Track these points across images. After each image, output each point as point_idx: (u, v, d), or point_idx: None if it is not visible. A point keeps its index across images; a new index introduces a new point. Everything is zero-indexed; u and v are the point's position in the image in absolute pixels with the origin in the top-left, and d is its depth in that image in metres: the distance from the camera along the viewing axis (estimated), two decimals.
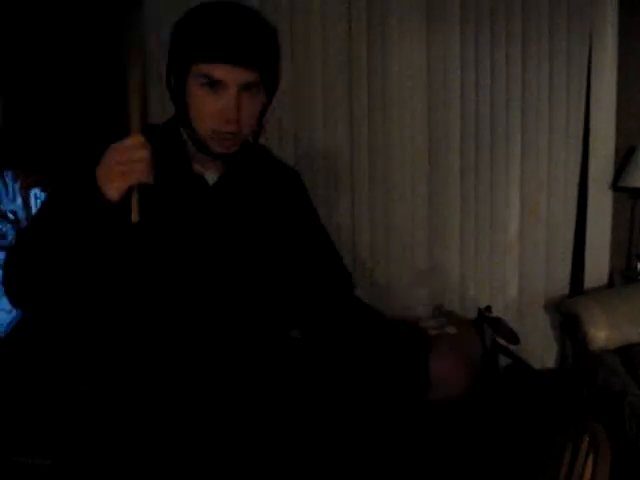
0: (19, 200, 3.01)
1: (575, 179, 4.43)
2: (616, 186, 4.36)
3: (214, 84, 1.42)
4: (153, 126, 1.60)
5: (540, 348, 4.43)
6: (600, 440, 1.62)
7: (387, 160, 4.36)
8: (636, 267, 4.34)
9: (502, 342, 3.31)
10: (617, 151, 4.38)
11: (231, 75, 1.41)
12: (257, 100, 1.49)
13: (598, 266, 4.45)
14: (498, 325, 3.32)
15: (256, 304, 1.62)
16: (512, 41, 4.28)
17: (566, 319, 4.26)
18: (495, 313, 3.87)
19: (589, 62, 4.31)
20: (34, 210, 3.10)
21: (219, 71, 1.40)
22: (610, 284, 4.44)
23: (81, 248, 1.37)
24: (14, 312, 3.15)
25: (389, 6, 4.24)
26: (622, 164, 4.36)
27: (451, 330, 4.06)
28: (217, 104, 1.43)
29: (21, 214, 3.02)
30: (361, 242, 4.44)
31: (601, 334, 3.81)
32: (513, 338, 3.22)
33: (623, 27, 4.25)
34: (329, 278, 1.80)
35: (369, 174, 4.37)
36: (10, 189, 2.98)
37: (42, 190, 3.16)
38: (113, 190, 1.34)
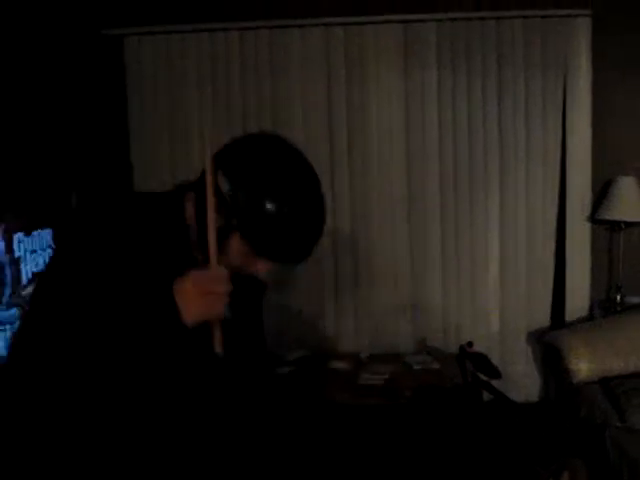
0: (1, 244, 3.02)
1: (554, 212, 4.48)
2: (594, 219, 4.41)
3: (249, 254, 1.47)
4: (153, 194, 1.61)
5: (523, 381, 4.45)
6: (580, 476, 1.64)
7: (368, 200, 4.46)
8: (616, 299, 4.37)
9: (484, 377, 3.33)
10: (594, 184, 4.44)
11: (269, 265, 1.51)
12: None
13: (579, 298, 4.48)
14: (479, 360, 3.34)
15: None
16: (488, 80, 4.38)
17: (548, 351, 4.29)
18: (477, 346, 3.88)
19: (564, 98, 4.38)
20: (17, 254, 3.10)
21: (262, 261, 1.49)
22: (591, 316, 4.47)
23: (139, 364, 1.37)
24: None
25: (366, 53, 4.39)
26: (599, 197, 4.42)
27: (435, 366, 4.09)
28: (247, 262, 1.49)
29: (3, 258, 3.02)
30: (344, 281, 4.49)
31: (582, 367, 3.84)
32: (494, 373, 3.23)
33: (597, 62, 4.34)
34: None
35: (350, 214, 4.43)
36: None
37: (25, 234, 3.16)
38: (191, 318, 1.34)
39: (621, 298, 4.36)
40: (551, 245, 4.50)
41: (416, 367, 4.08)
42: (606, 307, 4.43)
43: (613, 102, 4.43)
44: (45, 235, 3.30)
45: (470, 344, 3.47)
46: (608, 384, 3.71)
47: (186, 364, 1.43)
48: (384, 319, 4.52)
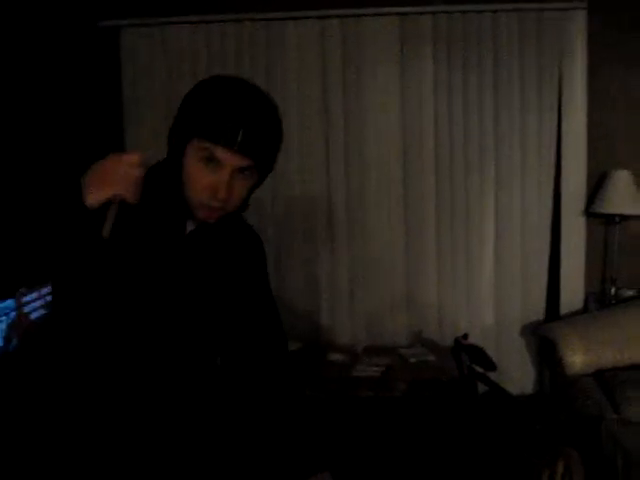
0: None
1: (548, 206, 4.48)
2: (589, 212, 4.42)
3: (211, 161, 1.48)
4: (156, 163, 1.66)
5: (518, 373, 4.46)
6: (574, 464, 1.65)
7: (364, 194, 4.46)
8: (610, 292, 4.38)
9: (479, 369, 3.34)
10: (589, 177, 4.45)
11: (229, 158, 1.48)
12: (248, 182, 1.55)
13: (573, 291, 4.49)
14: (475, 353, 3.35)
15: (194, 340, 1.69)
16: (483, 72, 4.38)
17: (543, 344, 4.31)
18: (472, 339, 3.91)
19: (559, 91, 4.39)
20: None
21: (219, 152, 1.47)
22: (585, 308, 4.48)
23: (51, 247, 1.39)
24: None
25: (363, 45, 4.39)
26: (594, 190, 4.42)
27: (430, 358, 4.10)
28: (210, 179, 1.49)
29: None
30: (341, 274, 4.50)
31: (577, 359, 3.85)
32: (490, 365, 3.25)
33: (592, 55, 4.34)
34: (265, 340, 1.84)
35: (346, 207, 4.45)
36: None
37: None
38: (93, 196, 1.38)
39: (616, 291, 4.37)
40: (546, 238, 4.51)
41: (412, 360, 4.09)
42: (601, 300, 4.44)
43: (609, 95, 4.43)
44: None
45: (465, 336, 3.50)
46: (603, 376, 3.72)
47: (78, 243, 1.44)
48: (379, 312, 4.53)
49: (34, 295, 3.21)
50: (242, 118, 1.47)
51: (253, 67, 4.40)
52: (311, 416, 1.89)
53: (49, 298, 3.30)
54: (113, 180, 1.39)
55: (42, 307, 3.29)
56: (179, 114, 1.53)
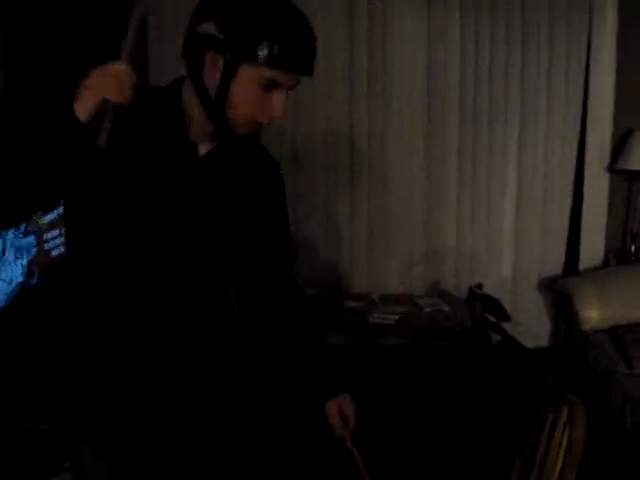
0: None
1: (572, 161, 4.46)
2: (613, 168, 4.39)
3: (272, 85, 1.47)
4: (154, 87, 1.64)
5: (533, 326, 4.48)
6: (577, 412, 1.68)
7: (385, 144, 4.43)
8: (631, 248, 4.37)
9: (493, 319, 3.36)
10: (614, 134, 4.40)
11: (292, 82, 1.49)
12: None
13: (593, 247, 4.49)
14: (488, 303, 3.37)
15: (206, 266, 1.68)
16: (512, 24, 4.32)
17: (559, 298, 4.32)
18: (489, 290, 3.92)
19: (588, 45, 4.32)
20: None
21: (284, 78, 1.46)
22: (605, 265, 4.48)
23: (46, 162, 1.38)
24: (14, 283, 3.20)
25: None
26: (619, 147, 4.38)
27: (445, 308, 4.13)
28: (267, 100, 1.48)
29: None
30: (360, 223, 4.51)
31: (592, 314, 3.87)
32: (503, 315, 3.27)
33: (623, 11, 4.27)
34: (276, 258, 1.84)
35: (368, 157, 4.43)
36: None
37: None
38: (82, 105, 1.36)
39: (636, 248, 4.36)
40: (568, 193, 4.49)
41: (427, 309, 4.11)
42: (621, 257, 4.44)
43: (638, 53, 4.36)
44: None
45: (480, 286, 3.51)
46: (617, 332, 3.74)
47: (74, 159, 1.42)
48: (397, 261, 4.55)
49: (56, 232, 3.24)
50: (308, 44, 1.48)
51: None
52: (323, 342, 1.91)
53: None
54: (100, 86, 1.37)
55: (63, 245, 3.33)
56: (227, 33, 1.42)
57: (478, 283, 3.56)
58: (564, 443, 1.66)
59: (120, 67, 1.40)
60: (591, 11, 4.28)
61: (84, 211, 1.56)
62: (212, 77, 1.46)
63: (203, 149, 1.61)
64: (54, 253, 3.23)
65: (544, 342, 4.56)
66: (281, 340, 1.85)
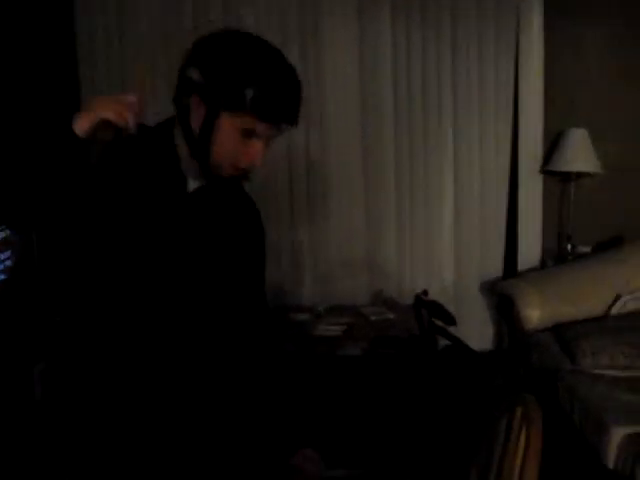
0: None
1: (506, 164, 4.54)
2: (546, 170, 4.48)
3: (251, 133, 1.51)
4: (146, 126, 1.64)
5: (477, 330, 4.53)
6: (532, 409, 1.69)
7: (324, 152, 4.44)
8: (566, 248, 4.46)
9: (439, 324, 3.39)
10: (546, 136, 4.50)
11: (271, 131, 1.53)
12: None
13: (530, 249, 4.57)
14: (435, 308, 3.40)
15: (184, 299, 1.68)
16: (441, 31, 4.39)
17: (500, 300, 4.38)
18: (432, 297, 3.95)
19: (516, 51, 4.42)
20: None
21: (263, 128, 1.51)
22: (542, 266, 4.56)
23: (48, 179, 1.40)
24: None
25: (320, 3, 4.34)
26: (551, 148, 4.48)
27: (390, 316, 4.14)
28: (246, 148, 1.53)
29: None
30: (300, 233, 4.49)
31: (534, 314, 3.93)
32: (450, 319, 3.30)
33: (549, 14, 4.37)
34: (249, 302, 1.86)
35: (306, 165, 4.43)
36: None
37: None
38: (81, 121, 1.38)
39: (572, 248, 4.45)
40: (504, 196, 4.57)
41: (372, 318, 4.12)
42: (557, 257, 4.53)
43: (565, 55, 4.47)
44: None
45: (425, 292, 3.54)
46: (559, 330, 3.81)
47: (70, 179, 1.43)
48: (340, 272, 4.55)
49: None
50: (291, 96, 1.53)
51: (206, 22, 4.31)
52: (291, 383, 1.93)
53: (8, 263, 3.27)
54: (103, 106, 1.40)
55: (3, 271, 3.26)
56: (208, 80, 1.47)
57: (424, 290, 3.59)
58: (521, 442, 1.66)
59: (131, 97, 1.44)
60: (518, 13, 4.37)
61: (73, 238, 1.59)
62: (197, 120, 1.51)
63: (192, 185, 1.64)
64: None
65: (488, 345, 4.61)
66: (250, 386, 1.87)
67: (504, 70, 4.44)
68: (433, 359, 3.39)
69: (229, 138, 1.51)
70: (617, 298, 3.98)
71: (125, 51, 4.26)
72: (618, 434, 2.84)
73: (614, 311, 3.94)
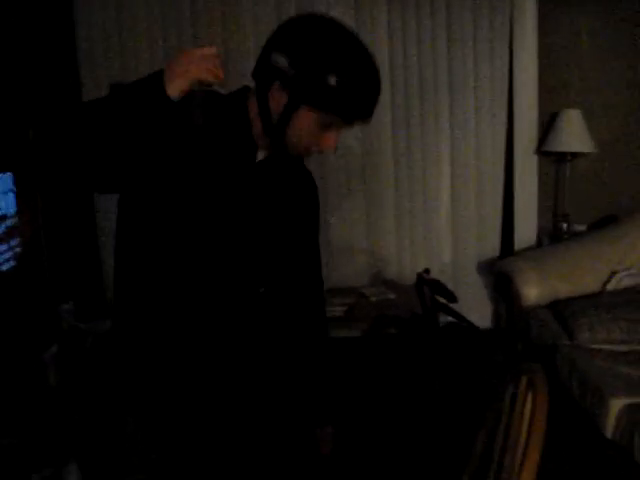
0: None
1: (502, 145, 4.61)
2: (541, 151, 4.55)
3: (329, 126, 1.55)
4: (218, 93, 1.66)
5: (475, 309, 4.59)
6: (537, 378, 1.73)
7: None
8: (562, 227, 4.54)
9: (442, 301, 3.46)
10: (541, 117, 4.57)
11: (347, 125, 1.58)
12: None
13: (527, 228, 4.65)
14: (436, 286, 3.46)
15: (244, 262, 1.72)
16: (437, 16, 4.45)
17: (498, 279, 4.45)
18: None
19: (511, 33, 4.47)
20: None
21: (341, 123, 1.56)
22: (538, 245, 4.64)
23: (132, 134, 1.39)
24: None
25: None
26: (546, 129, 4.55)
27: (390, 296, 4.21)
28: (322, 137, 1.56)
29: None
30: None
31: (533, 291, 4.01)
32: (451, 297, 3.36)
33: None
34: (305, 266, 1.92)
35: None
36: None
37: None
38: (175, 84, 1.38)
39: (567, 226, 4.52)
40: (500, 177, 4.64)
41: (373, 298, 4.19)
42: (553, 236, 4.60)
43: (559, 37, 4.54)
44: (6, 179, 3.27)
45: (427, 271, 3.60)
46: (556, 307, 3.88)
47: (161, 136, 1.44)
48: (341, 254, 4.62)
49: (4, 247, 3.21)
50: (375, 95, 1.55)
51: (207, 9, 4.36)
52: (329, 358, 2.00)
53: (17, 250, 3.31)
54: (194, 67, 1.39)
55: (13, 258, 3.29)
56: (296, 73, 1.47)
57: (425, 268, 3.65)
58: (527, 410, 1.71)
59: (210, 49, 1.43)
60: None
61: (141, 197, 1.59)
62: (276, 104, 1.52)
63: (260, 155, 1.67)
64: (3, 268, 3.19)
65: (487, 323, 4.69)
66: (298, 345, 1.95)
67: (499, 53, 4.49)
68: (435, 336, 3.46)
69: (307, 128, 1.53)
70: (612, 274, 4.06)
71: (124, 46, 4.31)
72: (616, 405, 2.93)
73: (610, 287, 4.01)
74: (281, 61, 1.47)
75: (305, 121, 1.52)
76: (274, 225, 1.75)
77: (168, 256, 1.62)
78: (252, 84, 1.60)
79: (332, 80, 1.46)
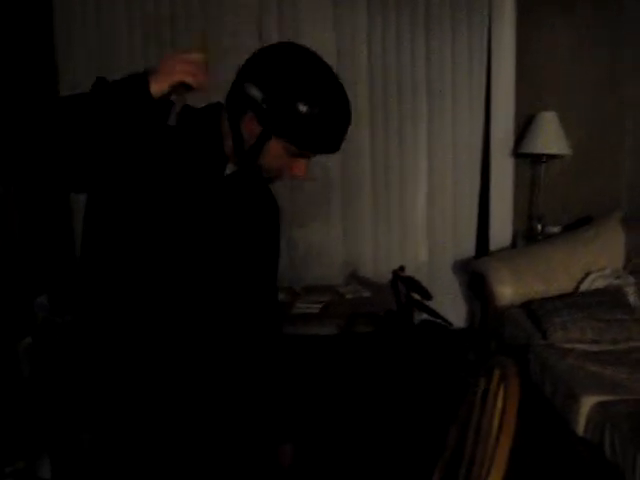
0: None
1: (478, 147, 4.65)
2: (517, 152, 4.59)
3: (300, 155, 1.58)
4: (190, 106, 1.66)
5: (449, 308, 4.58)
6: (509, 371, 1.75)
7: None
8: (537, 229, 4.57)
9: (417, 297, 3.48)
10: (517, 119, 4.60)
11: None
12: None
13: (502, 229, 4.69)
14: (411, 283, 3.49)
15: (201, 276, 1.71)
16: (415, 18, 4.49)
17: (473, 279, 4.48)
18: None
19: (489, 33, 4.51)
20: None
21: (313, 155, 1.60)
22: (513, 245, 4.68)
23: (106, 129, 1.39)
24: None
25: None
26: (522, 131, 4.58)
27: (366, 294, 4.23)
28: (292, 163, 1.59)
29: None
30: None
31: (506, 290, 4.05)
32: (426, 294, 3.39)
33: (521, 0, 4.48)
34: (261, 287, 1.91)
35: None
36: None
37: None
38: (159, 83, 1.40)
39: (542, 228, 4.56)
40: (476, 178, 4.67)
41: (349, 296, 4.21)
42: (528, 237, 4.64)
43: (536, 41, 4.58)
44: None
45: (402, 268, 3.62)
46: (530, 306, 3.91)
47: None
48: (317, 252, 4.63)
49: None
50: (345, 128, 1.58)
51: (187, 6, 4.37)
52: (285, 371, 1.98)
53: None
54: (179, 68, 1.41)
55: None
56: (269, 106, 1.49)
57: (400, 265, 3.67)
58: (499, 403, 1.72)
59: (198, 56, 1.45)
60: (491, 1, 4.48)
61: (106, 197, 1.59)
62: (248, 132, 1.55)
63: (229, 169, 1.68)
64: None
65: (460, 322, 4.71)
66: (253, 363, 1.92)
67: (477, 55, 4.53)
68: (410, 332, 3.48)
69: (277, 156, 1.56)
70: (586, 275, 4.10)
71: (102, 35, 4.31)
72: (587, 403, 2.96)
73: (583, 288, 4.05)
74: (254, 93, 1.50)
75: (276, 149, 1.55)
76: (233, 240, 1.74)
77: (124, 257, 1.62)
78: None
79: (303, 112, 1.48)
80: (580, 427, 2.97)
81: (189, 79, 1.42)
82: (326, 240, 4.64)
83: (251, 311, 1.88)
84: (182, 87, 1.44)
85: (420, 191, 4.67)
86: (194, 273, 1.68)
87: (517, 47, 4.51)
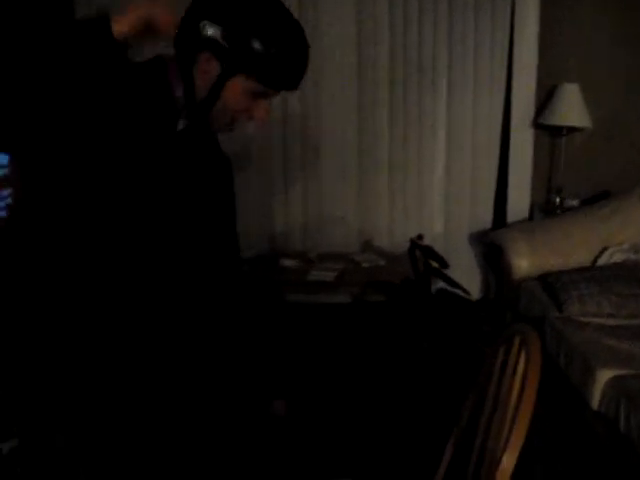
0: None
1: (499, 117, 4.58)
2: (537, 124, 4.53)
3: (261, 95, 1.53)
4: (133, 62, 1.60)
5: (465, 279, 4.54)
6: (530, 336, 1.73)
7: (319, 107, 4.49)
8: (555, 201, 4.53)
9: (435, 265, 3.47)
10: (539, 90, 4.54)
11: (277, 93, 1.57)
12: None
13: (520, 201, 4.65)
14: (429, 251, 3.47)
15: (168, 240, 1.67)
16: None
17: (490, 250, 4.45)
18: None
19: (512, 3, 4.43)
20: None
21: (274, 92, 1.55)
22: (530, 218, 4.64)
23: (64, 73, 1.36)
24: None
25: None
26: (543, 103, 4.52)
27: (381, 263, 4.21)
28: (252, 105, 1.55)
29: None
30: (293, 181, 4.52)
31: (523, 262, 4.02)
32: (443, 262, 3.38)
33: None
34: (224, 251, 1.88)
35: (301, 121, 4.46)
36: None
37: None
38: (123, 23, 1.36)
39: (560, 201, 4.51)
40: (495, 149, 4.62)
41: (364, 264, 4.19)
42: (546, 210, 4.60)
43: (560, 11, 4.49)
44: None
45: (420, 237, 3.60)
46: (547, 279, 3.88)
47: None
48: (332, 220, 4.61)
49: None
50: (304, 65, 1.54)
51: None
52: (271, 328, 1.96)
53: (8, 201, 3.28)
54: (148, 7, 1.38)
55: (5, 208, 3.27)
56: (230, 44, 1.44)
57: (419, 234, 3.66)
58: (520, 369, 1.70)
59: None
60: None
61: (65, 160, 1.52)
62: (203, 76, 1.50)
63: (181, 124, 1.63)
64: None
65: (476, 294, 4.69)
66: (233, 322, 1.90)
67: (500, 25, 4.46)
68: (428, 301, 3.47)
69: (239, 97, 1.52)
70: (604, 250, 4.06)
71: None
72: (603, 376, 2.93)
73: (601, 262, 4.01)
74: (215, 33, 1.44)
75: (236, 91, 1.50)
76: (192, 198, 1.69)
77: (90, 227, 1.56)
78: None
79: (266, 45, 1.44)
80: (595, 401, 2.95)
81: (157, 18, 1.39)
82: (342, 209, 4.61)
83: (218, 262, 1.85)
84: (147, 30, 1.39)
85: (438, 162, 4.62)
86: (162, 234, 1.64)
87: (540, 17, 4.43)
